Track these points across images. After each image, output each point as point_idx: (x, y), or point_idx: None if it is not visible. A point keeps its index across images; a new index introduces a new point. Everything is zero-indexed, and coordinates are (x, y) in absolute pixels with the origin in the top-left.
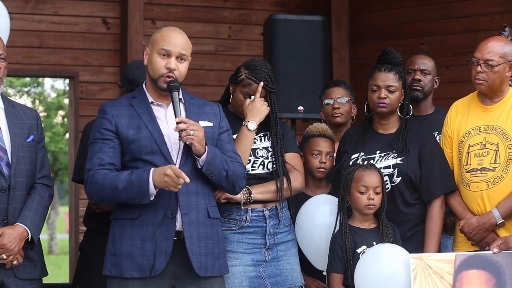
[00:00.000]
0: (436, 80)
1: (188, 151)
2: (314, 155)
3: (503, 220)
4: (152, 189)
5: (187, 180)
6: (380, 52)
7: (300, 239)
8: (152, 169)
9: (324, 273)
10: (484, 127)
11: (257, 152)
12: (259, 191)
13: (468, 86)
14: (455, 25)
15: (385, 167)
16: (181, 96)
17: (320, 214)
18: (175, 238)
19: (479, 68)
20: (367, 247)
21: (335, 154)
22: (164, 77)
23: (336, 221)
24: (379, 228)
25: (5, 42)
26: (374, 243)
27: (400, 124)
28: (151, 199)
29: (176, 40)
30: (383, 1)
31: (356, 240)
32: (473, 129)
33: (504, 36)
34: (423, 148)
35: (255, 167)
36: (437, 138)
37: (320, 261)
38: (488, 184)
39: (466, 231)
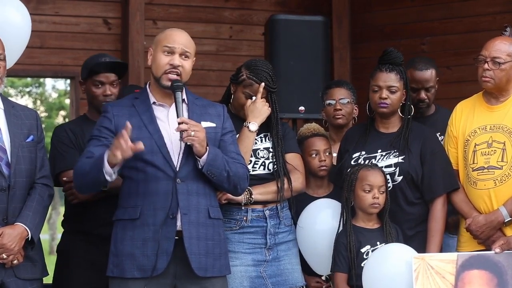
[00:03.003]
0: (437, 85)
1: (189, 151)
2: (313, 155)
3: (510, 218)
4: (107, 166)
5: (126, 137)
6: (381, 52)
7: (300, 243)
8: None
9: (323, 277)
10: (490, 126)
11: (258, 153)
12: (260, 192)
13: (469, 86)
14: (456, 25)
15: (386, 166)
16: (184, 97)
17: (321, 219)
18: (176, 237)
19: (486, 66)
20: (371, 247)
21: (334, 153)
22: (167, 74)
23: (340, 221)
24: (382, 228)
25: (25, 45)
26: (378, 243)
27: (401, 124)
28: (109, 178)
29: (179, 38)
30: (384, 1)
31: (360, 239)
32: (479, 128)
33: (506, 36)
34: (424, 147)
35: (256, 167)
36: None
37: (320, 266)
38: (495, 182)
39: (473, 229)
